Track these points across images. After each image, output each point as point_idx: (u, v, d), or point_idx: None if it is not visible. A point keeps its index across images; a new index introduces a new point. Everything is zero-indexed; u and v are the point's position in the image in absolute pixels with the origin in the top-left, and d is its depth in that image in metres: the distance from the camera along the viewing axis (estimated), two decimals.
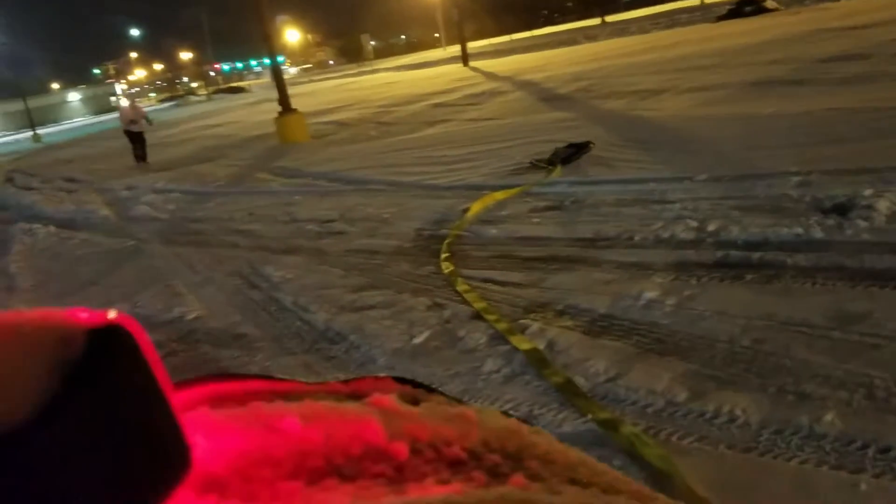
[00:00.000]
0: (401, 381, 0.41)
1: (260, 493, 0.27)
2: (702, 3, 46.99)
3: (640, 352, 3.12)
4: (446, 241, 5.27)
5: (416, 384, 0.41)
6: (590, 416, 2.66)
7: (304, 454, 0.29)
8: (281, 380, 0.39)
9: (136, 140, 15.01)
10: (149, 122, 15.49)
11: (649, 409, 2.68)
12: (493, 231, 5.40)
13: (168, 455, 0.23)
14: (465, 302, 4.08)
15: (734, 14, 31.07)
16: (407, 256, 5.22)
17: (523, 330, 3.55)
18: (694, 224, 4.57)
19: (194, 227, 7.62)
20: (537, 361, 3.16)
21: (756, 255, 3.93)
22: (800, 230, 4.10)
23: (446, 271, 4.65)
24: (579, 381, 2.95)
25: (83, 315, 0.23)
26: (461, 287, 4.31)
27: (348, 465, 0.29)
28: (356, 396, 0.36)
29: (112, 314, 0.24)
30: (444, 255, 4.98)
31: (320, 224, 6.64)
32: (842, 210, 4.24)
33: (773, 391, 2.64)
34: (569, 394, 2.84)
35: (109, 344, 0.23)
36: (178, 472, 0.23)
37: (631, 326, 3.39)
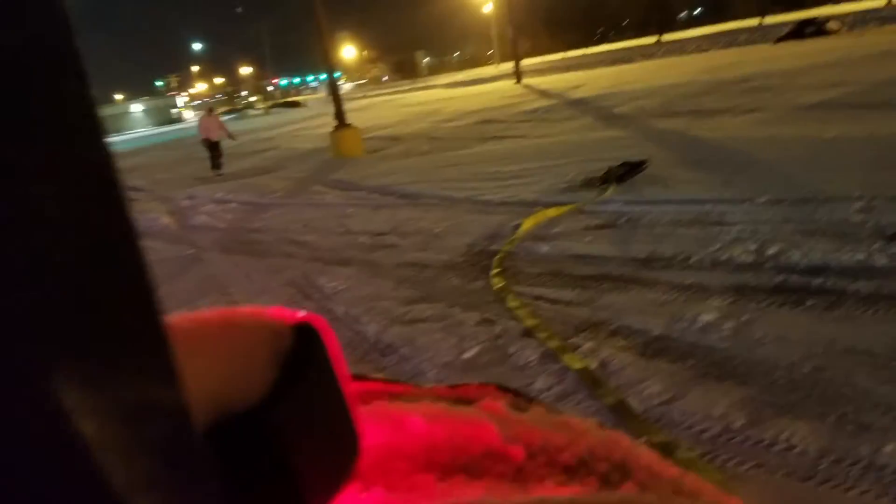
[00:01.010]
0: (504, 389, 0.42)
1: (398, 483, 0.29)
2: (761, 23, 46.18)
3: (697, 375, 3.07)
4: (498, 257, 5.27)
5: (517, 393, 0.42)
6: (644, 439, 2.62)
7: (432, 450, 0.31)
8: (395, 382, 0.41)
9: (214, 149, 15.37)
10: (231, 136, 15.85)
11: (705, 435, 2.63)
12: (545, 248, 5.38)
13: (351, 440, 0.26)
14: (515, 318, 4.08)
15: (794, 35, 30.52)
16: (458, 271, 5.24)
17: (575, 349, 3.52)
18: (753, 247, 4.48)
19: (252, 237, 7.79)
20: (590, 381, 3.14)
21: (817, 281, 3.83)
22: (862, 256, 3.98)
23: (497, 287, 4.65)
24: (633, 402, 2.91)
25: (285, 312, 0.26)
26: (512, 303, 4.30)
27: (472, 463, 0.31)
28: (465, 401, 0.37)
29: (304, 313, 0.26)
30: (495, 271, 4.98)
31: (373, 237, 6.72)
32: None
33: (833, 420, 2.57)
34: (622, 415, 2.81)
35: (311, 338, 0.26)
36: (355, 457, 0.26)
37: (687, 349, 3.33)
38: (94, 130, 0.15)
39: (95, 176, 0.15)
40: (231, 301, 5.37)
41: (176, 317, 0.24)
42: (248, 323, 0.25)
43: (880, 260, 3.91)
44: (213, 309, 0.26)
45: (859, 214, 4.71)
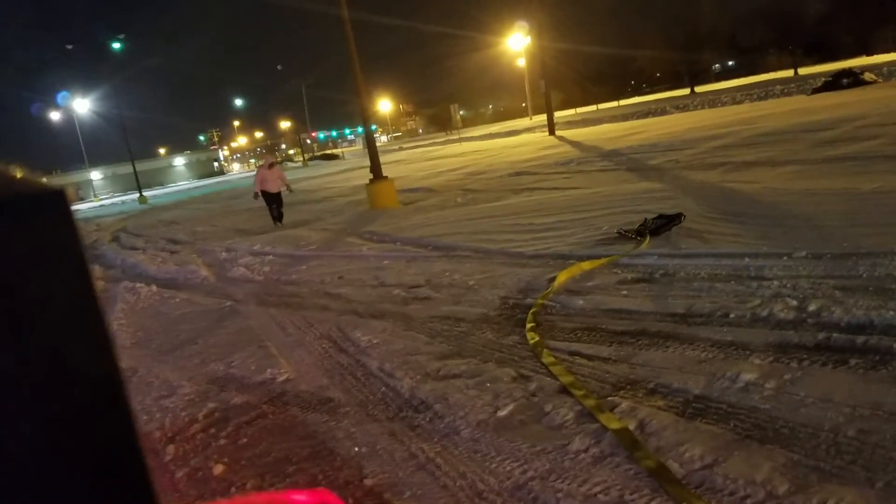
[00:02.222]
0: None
1: None
2: (796, 74, 46.05)
3: (738, 438, 2.99)
4: (532, 311, 5.24)
5: None
6: None
7: None
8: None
9: (274, 201, 15.32)
10: (289, 189, 15.87)
11: (749, 501, 2.55)
12: (580, 302, 5.34)
13: None
14: (551, 375, 4.03)
15: (831, 86, 30.40)
16: (492, 325, 5.22)
17: (613, 408, 3.46)
18: (794, 303, 4.39)
19: (287, 289, 7.88)
20: (628, 442, 3.07)
21: (860, 339, 3.73)
22: None
23: (532, 342, 4.62)
24: (673, 466, 2.84)
25: (300, 497, 0.27)
26: (547, 359, 4.26)
27: None
28: None
29: (321, 490, 0.27)
30: (529, 325, 4.95)
31: (407, 289, 6.74)
32: None
33: (881, 486, 2.47)
34: (662, 480, 2.74)
35: None
36: None
37: (728, 410, 3.25)
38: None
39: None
40: (267, 354, 5.40)
41: None
42: None
43: None
44: (232, 498, 0.27)
45: None
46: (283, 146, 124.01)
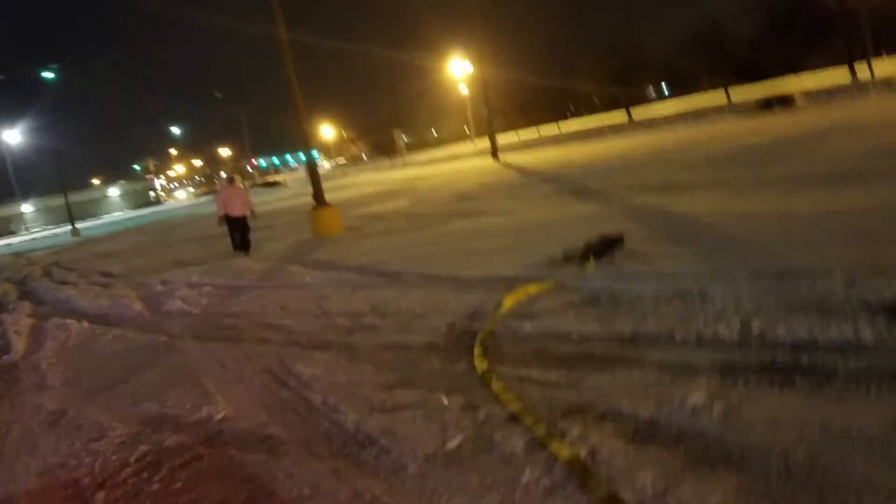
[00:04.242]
0: None
1: None
2: (728, 99, 47.68)
3: (689, 463, 2.94)
4: (480, 337, 5.16)
5: None
6: None
7: None
8: None
9: (238, 227, 13.67)
10: (253, 214, 14.09)
11: None
12: (527, 326, 5.28)
13: None
14: (500, 402, 3.94)
15: (763, 110, 31.53)
16: (439, 352, 5.11)
17: (563, 435, 3.38)
18: (737, 323, 4.41)
19: (226, 322, 7.62)
20: (579, 472, 2.99)
21: (805, 358, 3.75)
22: (849, 332, 3.92)
23: (480, 369, 4.52)
24: (625, 494, 2.77)
25: None
26: (496, 386, 4.17)
27: None
28: None
29: None
30: (477, 351, 4.86)
31: (352, 318, 6.58)
32: (892, 311, 4.07)
33: None
34: None
35: None
36: None
37: (677, 434, 3.21)
38: None
39: None
40: (203, 391, 5.17)
41: None
42: None
43: (867, 335, 3.84)
44: None
45: (842, 288, 4.68)
46: (223, 174, 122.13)
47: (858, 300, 4.39)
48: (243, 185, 14.51)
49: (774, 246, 6.25)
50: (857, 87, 31.16)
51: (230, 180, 14.28)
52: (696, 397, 3.52)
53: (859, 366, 3.53)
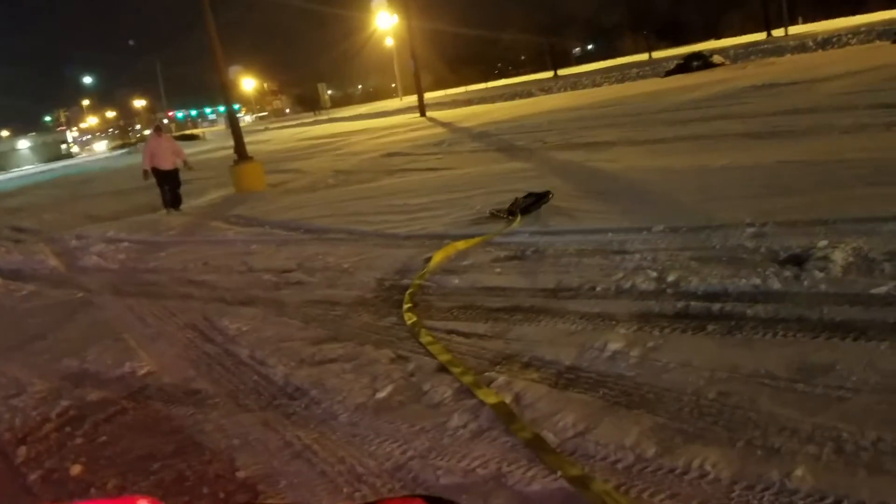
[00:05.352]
0: (430, 500, 0.36)
1: None
2: (650, 57, 48.61)
3: (608, 405, 3.09)
4: (409, 292, 5.21)
5: (443, 501, 0.36)
6: (560, 474, 2.60)
7: None
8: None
9: (168, 180, 12.64)
10: (187, 165, 13.24)
11: (619, 465, 2.64)
12: (455, 281, 5.36)
13: None
14: (429, 354, 4.01)
15: (682, 69, 32.26)
16: (368, 307, 5.14)
17: (489, 383, 3.49)
18: (654, 275, 4.60)
19: (146, 277, 7.42)
20: (505, 416, 3.10)
21: (716, 306, 3.96)
22: (758, 281, 4.15)
23: (409, 322, 4.58)
24: (548, 436, 2.89)
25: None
26: (425, 339, 4.24)
27: None
28: None
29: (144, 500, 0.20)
30: (406, 306, 4.91)
31: (278, 274, 6.52)
32: (798, 261, 4.33)
33: (742, 445, 2.62)
34: (538, 450, 2.78)
35: None
36: None
37: (597, 379, 3.36)
38: None
39: None
40: (125, 347, 5.05)
41: None
42: None
43: (774, 284, 4.08)
44: None
45: (752, 240, 4.93)
46: (138, 126, 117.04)
47: (767, 251, 4.65)
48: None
49: (692, 200, 6.49)
50: (774, 47, 32.19)
51: (157, 129, 13.09)
52: (615, 345, 3.68)
53: (767, 313, 3.76)
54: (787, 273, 4.20)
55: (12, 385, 4.62)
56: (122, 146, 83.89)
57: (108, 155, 69.22)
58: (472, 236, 6.57)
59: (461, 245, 6.32)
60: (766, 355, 3.28)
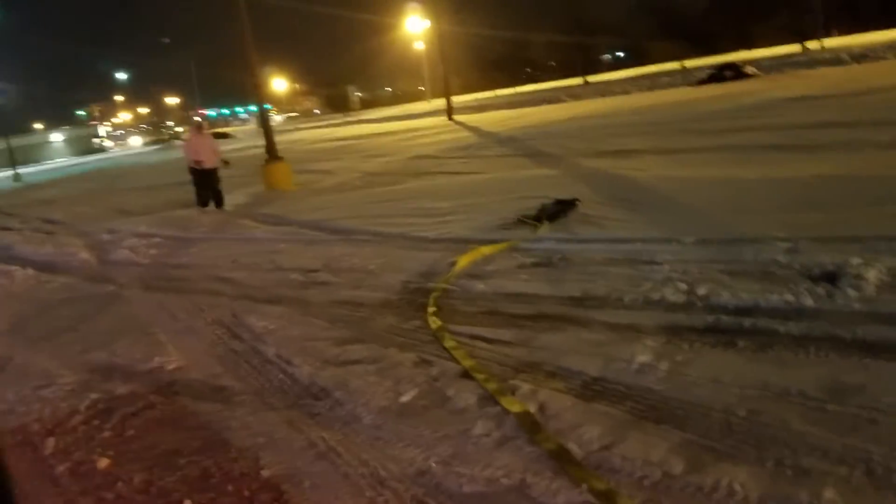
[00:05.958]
0: None
1: None
2: (682, 67, 48.19)
3: (635, 419, 3.05)
4: (433, 295, 5.21)
5: None
6: (585, 487, 2.58)
7: None
8: None
9: (206, 179, 12.31)
10: (225, 163, 12.81)
11: (646, 481, 2.60)
12: (480, 286, 5.35)
13: None
14: (453, 359, 4.00)
15: (715, 78, 32.01)
16: (393, 309, 5.15)
17: (513, 391, 3.47)
18: (684, 287, 4.55)
19: (176, 273, 7.50)
20: (529, 425, 3.08)
21: (747, 322, 3.90)
22: (790, 297, 4.09)
23: (434, 326, 4.58)
24: (573, 447, 2.87)
25: None
26: (449, 343, 4.23)
27: None
28: None
29: None
30: (431, 310, 4.91)
31: (305, 273, 6.56)
32: (831, 278, 4.25)
33: (771, 464, 2.58)
34: (562, 461, 2.76)
35: None
36: None
37: (624, 391, 3.32)
38: None
39: None
40: (154, 341, 5.11)
41: None
42: None
43: (807, 301, 4.01)
44: None
45: (785, 255, 4.85)
46: (171, 123, 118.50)
47: (800, 267, 4.57)
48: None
49: (722, 212, 6.41)
50: (808, 60, 31.78)
51: (198, 127, 12.78)
52: (643, 357, 3.64)
53: (799, 331, 3.69)
54: (820, 290, 4.13)
55: (42, 376, 4.69)
56: (156, 142, 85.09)
57: (140, 150, 70.20)
58: (498, 241, 6.56)
59: (487, 250, 6.31)
60: (797, 374, 3.22)
